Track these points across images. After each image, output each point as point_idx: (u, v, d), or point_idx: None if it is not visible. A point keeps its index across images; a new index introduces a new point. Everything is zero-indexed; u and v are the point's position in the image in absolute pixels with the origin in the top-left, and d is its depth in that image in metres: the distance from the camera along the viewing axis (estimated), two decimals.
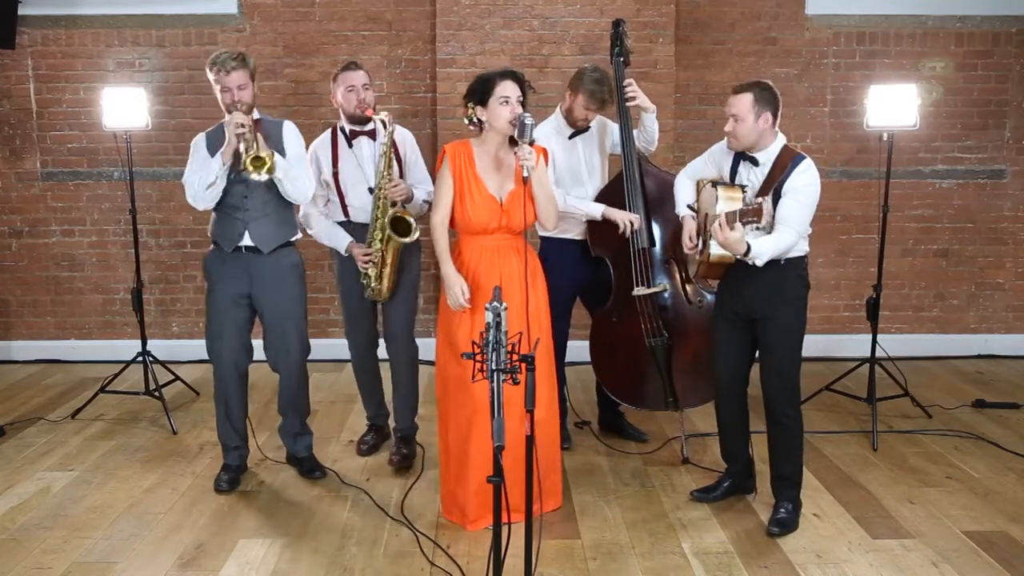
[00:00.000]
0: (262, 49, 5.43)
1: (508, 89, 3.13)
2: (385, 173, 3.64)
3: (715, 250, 3.17)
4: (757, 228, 2.98)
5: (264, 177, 3.33)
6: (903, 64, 5.54)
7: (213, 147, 3.51)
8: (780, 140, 3.21)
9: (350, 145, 3.78)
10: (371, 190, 3.71)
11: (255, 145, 3.34)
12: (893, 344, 4.95)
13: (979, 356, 5.75)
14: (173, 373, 4.90)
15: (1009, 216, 5.71)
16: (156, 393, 4.58)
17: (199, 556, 3.11)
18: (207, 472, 3.84)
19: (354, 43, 5.47)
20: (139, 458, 4.03)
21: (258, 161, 3.32)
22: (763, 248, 3.03)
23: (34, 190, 5.60)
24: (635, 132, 3.92)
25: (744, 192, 3.16)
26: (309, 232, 3.88)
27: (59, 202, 5.60)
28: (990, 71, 5.58)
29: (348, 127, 3.79)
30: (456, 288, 3.21)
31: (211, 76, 3.48)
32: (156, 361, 4.79)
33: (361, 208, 3.78)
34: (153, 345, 4.85)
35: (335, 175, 3.79)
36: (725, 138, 3.33)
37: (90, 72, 5.45)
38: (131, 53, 5.48)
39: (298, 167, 3.53)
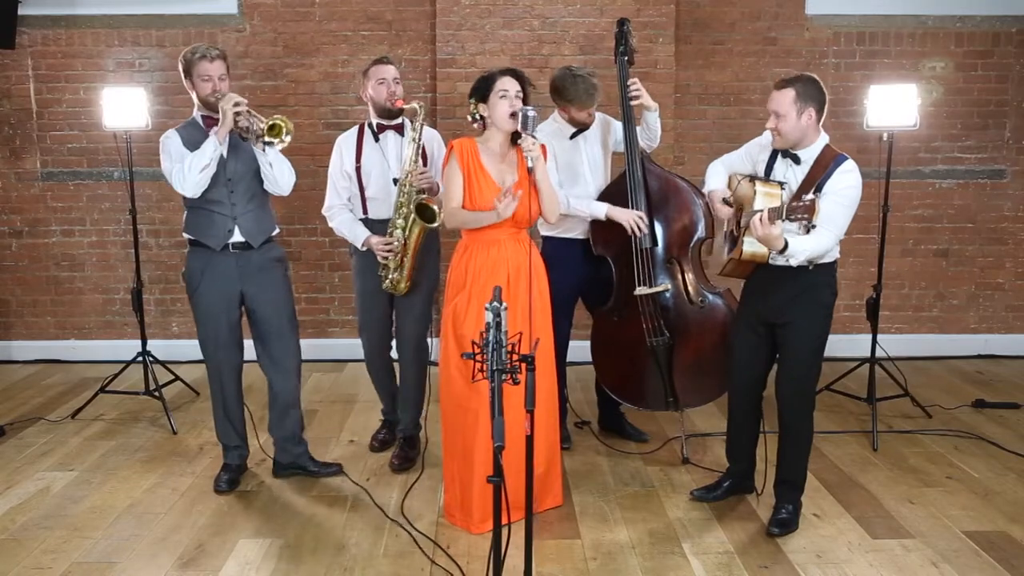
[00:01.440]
0: (262, 49, 5.43)
1: (507, 84, 3.20)
2: (413, 160, 3.65)
3: (748, 247, 3.10)
4: (808, 225, 2.90)
5: (284, 143, 3.36)
6: (903, 64, 5.54)
7: (189, 143, 3.47)
8: (823, 139, 3.15)
9: (376, 139, 3.80)
10: (396, 181, 3.73)
11: (260, 117, 3.38)
12: (893, 344, 4.95)
13: (979, 356, 5.75)
14: (173, 373, 4.90)
15: (1009, 216, 5.72)
16: (156, 393, 4.58)
17: (199, 556, 3.11)
18: (207, 472, 3.84)
19: (354, 43, 5.47)
20: (139, 458, 4.03)
21: (275, 129, 3.35)
22: (801, 247, 2.98)
23: (34, 190, 5.60)
24: (638, 129, 3.92)
25: (783, 189, 3.10)
26: (330, 225, 3.90)
27: (59, 202, 5.60)
28: (990, 71, 5.58)
29: (376, 121, 3.80)
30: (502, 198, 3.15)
31: (191, 67, 3.48)
32: (156, 361, 4.79)
33: (381, 201, 3.79)
34: (153, 345, 4.85)
35: (357, 168, 3.81)
36: (763, 133, 3.27)
37: (90, 72, 5.46)
38: (131, 53, 5.48)
39: (281, 158, 3.54)
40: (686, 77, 5.52)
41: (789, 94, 3.06)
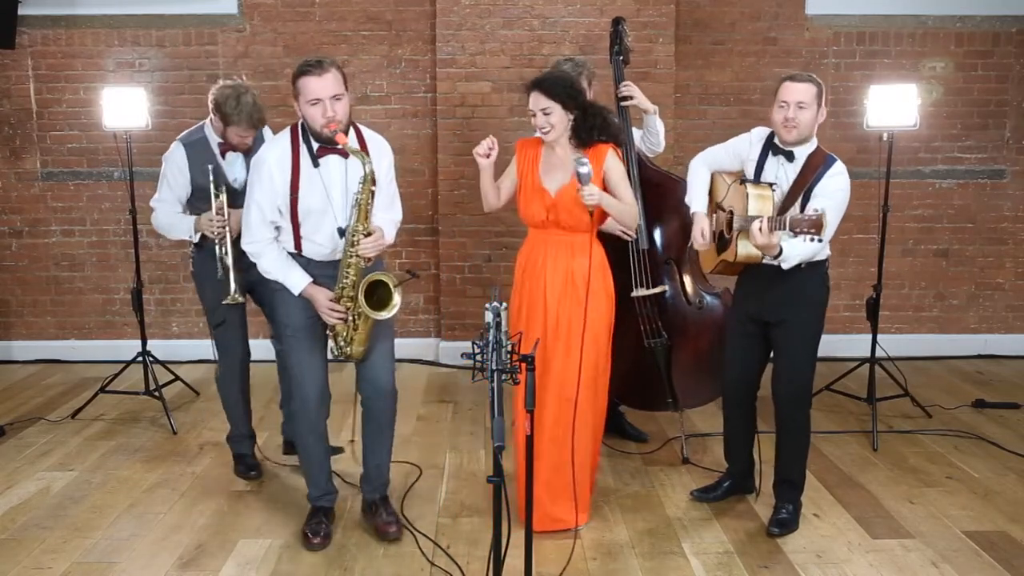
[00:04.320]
0: (262, 49, 5.43)
1: (531, 103, 3.13)
2: (359, 226, 2.91)
3: (743, 249, 3.10)
4: (816, 238, 2.84)
5: (234, 301, 3.44)
6: (903, 64, 5.54)
7: (196, 163, 3.51)
8: (815, 140, 3.18)
9: (315, 163, 2.94)
10: (341, 231, 2.96)
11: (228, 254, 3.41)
12: (893, 344, 4.95)
13: (979, 356, 5.75)
14: (173, 373, 4.89)
15: (1009, 216, 5.71)
16: (156, 393, 4.57)
17: (199, 556, 3.11)
18: (207, 472, 3.84)
19: (354, 43, 5.46)
20: (139, 458, 4.03)
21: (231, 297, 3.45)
22: (795, 252, 2.99)
23: (34, 190, 5.60)
24: (640, 134, 3.92)
25: (773, 190, 3.10)
26: (258, 264, 3.07)
27: (59, 202, 5.60)
28: (990, 71, 5.58)
29: (315, 143, 2.94)
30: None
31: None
32: (156, 361, 4.78)
33: (320, 245, 3.02)
34: (153, 345, 4.85)
35: (293, 201, 2.95)
36: (751, 130, 3.27)
37: (90, 72, 5.45)
38: (131, 53, 5.47)
39: None
40: (686, 77, 5.51)
41: (812, 89, 3.09)
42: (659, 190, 3.88)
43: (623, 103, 3.83)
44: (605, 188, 3.14)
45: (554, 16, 5.29)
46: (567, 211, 3.13)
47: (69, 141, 5.55)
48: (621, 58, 3.95)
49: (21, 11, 5.33)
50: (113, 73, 5.43)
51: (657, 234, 3.88)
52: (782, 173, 3.16)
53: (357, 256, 2.93)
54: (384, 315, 2.93)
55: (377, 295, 2.95)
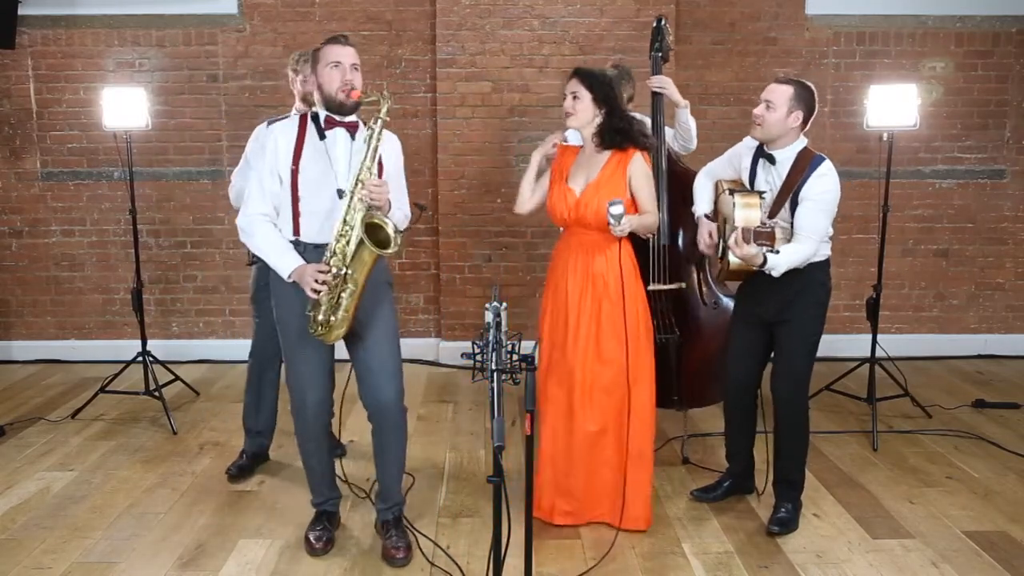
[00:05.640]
0: (262, 49, 5.43)
1: (567, 86, 3.21)
2: (369, 165, 2.84)
3: (734, 258, 3.10)
4: (771, 250, 2.95)
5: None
6: (903, 64, 5.54)
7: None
8: (802, 141, 3.17)
9: (322, 136, 2.95)
10: (341, 193, 2.89)
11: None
12: (893, 344, 4.95)
13: (979, 356, 5.75)
14: (173, 373, 4.89)
15: (1009, 216, 5.71)
16: (156, 393, 4.57)
17: (199, 556, 3.11)
18: (207, 472, 3.84)
19: (354, 43, 5.45)
20: (139, 458, 4.03)
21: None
22: (779, 261, 3.00)
23: (34, 190, 5.60)
24: (672, 133, 3.94)
25: (763, 199, 3.10)
26: (248, 241, 2.99)
27: (59, 202, 5.60)
28: (990, 71, 5.58)
29: (324, 113, 2.96)
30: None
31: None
32: (156, 361, 4.78)
33: (319, 220, 2.92)
34: (153, 345, 4.85)
35: (294, 172, 2.93)
36: (745, 138, 3.30)
37: (90, 72, 5.45)
38: (131, 53, 5.48)
39: None
40: (686, 77, 5.51)
41: (788, 90, 3.10)
42: (686, 189, 3.86)
43: (655, 92, 3.85)
44: (630, 192, 3.20)
45: (554, 16, 5.29)
46: (587, 207, 3.18)
47: (69, 141, 5.55)
48: (660, 55, 3.96)
49: (21, 11, 5.33)
50: (113, 73, 5.43)
51: (680, 232, 3.86)
52: (770, 178, 3.19)
53: (360, 200, 2.80)
54: (388, 251, 2.79)
55: (376, 240, 2.80)
